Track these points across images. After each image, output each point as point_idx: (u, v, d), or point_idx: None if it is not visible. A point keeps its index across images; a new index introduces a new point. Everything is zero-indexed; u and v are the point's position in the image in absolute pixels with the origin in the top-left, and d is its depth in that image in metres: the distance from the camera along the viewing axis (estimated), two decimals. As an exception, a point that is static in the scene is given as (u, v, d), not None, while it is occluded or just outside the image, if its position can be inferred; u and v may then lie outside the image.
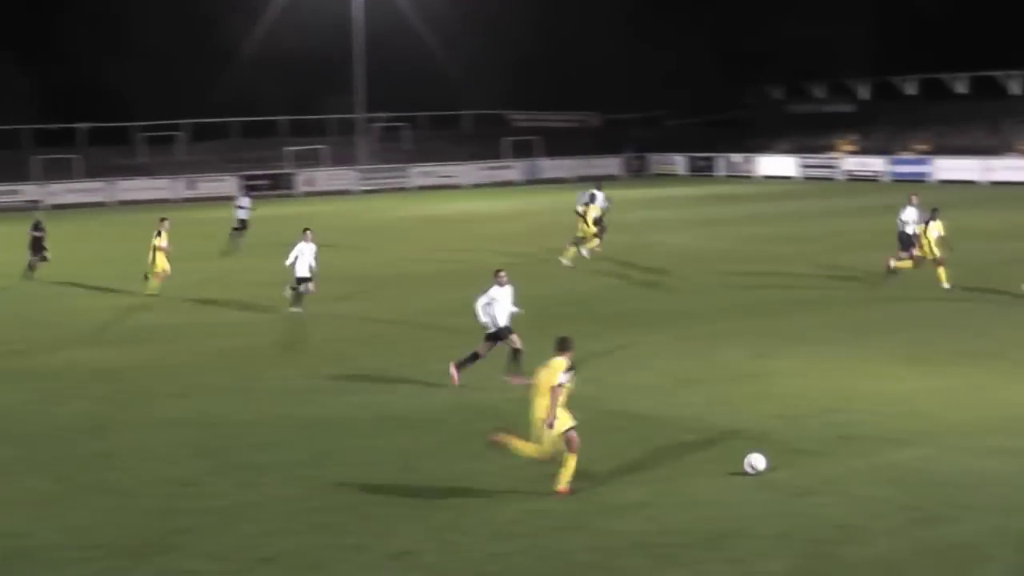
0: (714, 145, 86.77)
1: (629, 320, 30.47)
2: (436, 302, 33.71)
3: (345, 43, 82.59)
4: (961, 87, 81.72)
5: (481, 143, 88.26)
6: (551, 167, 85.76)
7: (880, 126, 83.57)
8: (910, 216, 34.65)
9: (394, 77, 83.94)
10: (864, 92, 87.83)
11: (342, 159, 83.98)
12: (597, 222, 41.61)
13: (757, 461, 17.66)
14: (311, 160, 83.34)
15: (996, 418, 20.28)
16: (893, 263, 34.30)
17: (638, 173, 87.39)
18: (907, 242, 34.29)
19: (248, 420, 21.64)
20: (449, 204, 69.26)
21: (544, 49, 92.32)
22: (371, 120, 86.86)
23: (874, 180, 75.61)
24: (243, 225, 47.29)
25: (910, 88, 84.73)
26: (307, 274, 32.10)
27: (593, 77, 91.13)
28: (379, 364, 25.92)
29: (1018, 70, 78.07)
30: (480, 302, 23.49)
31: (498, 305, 23.42)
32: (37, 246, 40.78)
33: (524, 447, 17.10)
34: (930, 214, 33.71)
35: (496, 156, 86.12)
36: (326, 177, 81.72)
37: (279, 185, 79.21)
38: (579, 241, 41.47)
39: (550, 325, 29.73)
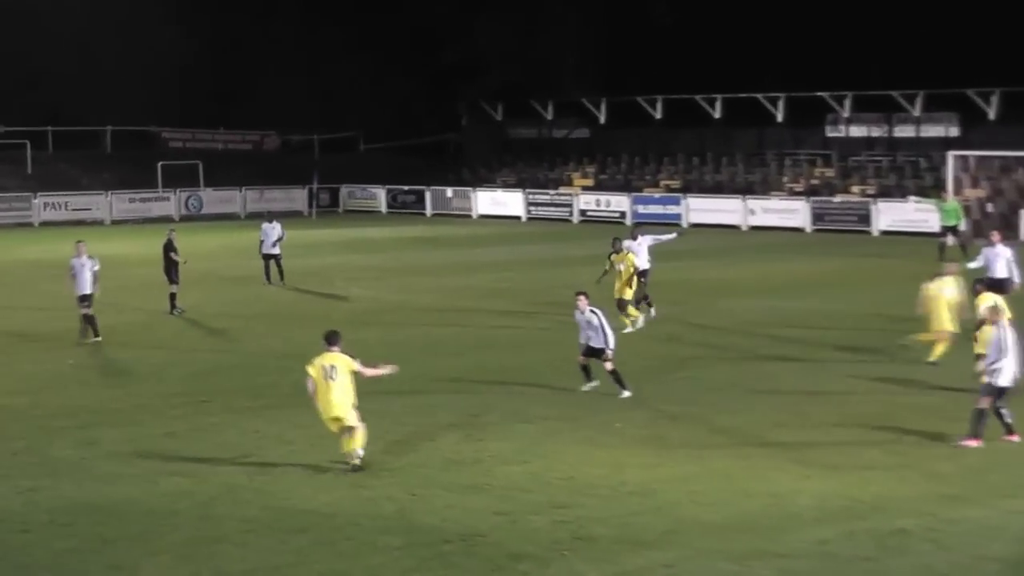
0: (421, 176, 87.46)
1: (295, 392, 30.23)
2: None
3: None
4: (715, 110, 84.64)
5: (127, 168, 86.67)
6: (215, 200, 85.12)
7: (620, 156, 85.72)
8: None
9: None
10: (601, 115, 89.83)
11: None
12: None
13: None
14: None
15: (748, 514, 21.03)
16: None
17: (328, 209, 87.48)
18: None
19: None
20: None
21: (202, 54, 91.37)
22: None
23: (617, 223, 77.01)
24: None
25: (656, 111, 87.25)
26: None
27: (266, 90, 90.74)
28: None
29: (780, 92, 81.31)
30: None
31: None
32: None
33: None
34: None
35: (147, 185, 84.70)
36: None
37: None
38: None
39: (217, 397, 29.71)
